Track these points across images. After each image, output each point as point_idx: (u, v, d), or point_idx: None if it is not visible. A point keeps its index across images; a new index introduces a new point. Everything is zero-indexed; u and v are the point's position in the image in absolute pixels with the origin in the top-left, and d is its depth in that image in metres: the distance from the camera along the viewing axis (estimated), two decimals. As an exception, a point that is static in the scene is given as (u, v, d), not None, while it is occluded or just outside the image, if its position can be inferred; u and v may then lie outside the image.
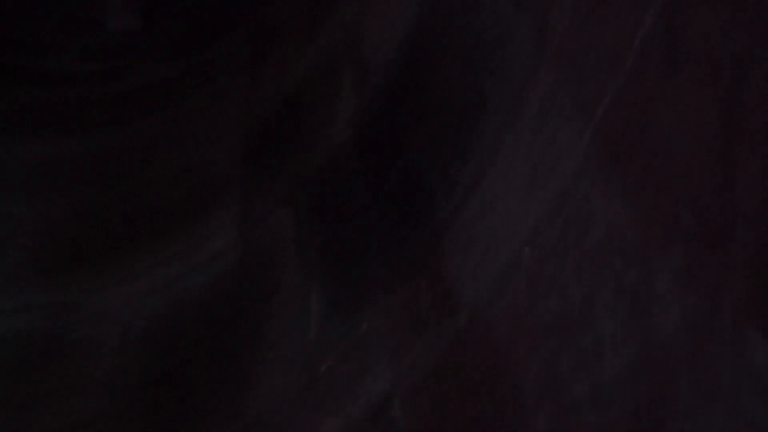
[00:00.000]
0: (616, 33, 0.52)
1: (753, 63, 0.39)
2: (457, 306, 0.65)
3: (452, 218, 0.71)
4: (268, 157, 1.27)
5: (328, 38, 1.29)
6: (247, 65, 1.58)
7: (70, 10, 1.95)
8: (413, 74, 0.95)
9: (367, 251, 0.88)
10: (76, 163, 1.52)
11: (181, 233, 1.31)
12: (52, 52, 1.79)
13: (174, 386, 1.08)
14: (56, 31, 1.83)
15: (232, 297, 1.14)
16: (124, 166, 1.48)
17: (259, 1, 1.68)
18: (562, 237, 0.55)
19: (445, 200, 0.72)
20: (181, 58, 1.76)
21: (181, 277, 1.23)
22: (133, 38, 1.89)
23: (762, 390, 0.35)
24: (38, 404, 1.12)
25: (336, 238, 1.00)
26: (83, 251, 1.34)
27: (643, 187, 0.47)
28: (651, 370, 0.43)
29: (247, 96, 1.45)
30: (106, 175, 1.48)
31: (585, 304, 0.50)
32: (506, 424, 0.53)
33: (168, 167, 1.46)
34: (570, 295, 0.52)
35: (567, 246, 0.54)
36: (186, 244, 1.27)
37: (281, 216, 1.15)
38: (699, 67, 0.44)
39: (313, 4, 1.39)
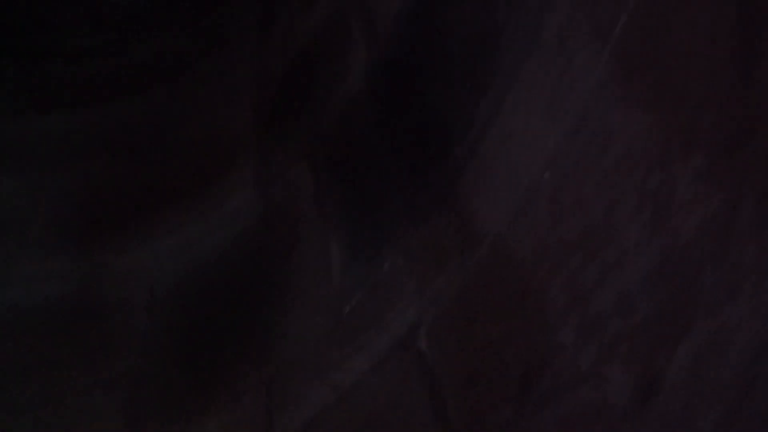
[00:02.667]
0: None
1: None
2: (478, 236, 0.66)
3: (471, 152, 0.71)
4: (283, 114, 1.28)
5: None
6: (256, 26, 1.58)
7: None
8: (424, 17, 0.95)
9: (385, 196, 0.89)
10: (93, 134, 1.55)
11: (201, 194, 1.33)
12: (63, 28, 1.80)
13: (204, 340, 1.11)
14: (64, 7, 1.84)
15: (254, 251, 1.16)
16: (141, 135, 1.50)
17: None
18: (583, 156, 0.55)
19: (463, 135, 0.72)
20: (190, 24, 1.76)
21: (204, 236, 1.26)
22: (141, 9, 1.90)
23: None
24: (74, 364, 1.16)
25: (354, 187, 1.01)
26: (106, 217, 1.37)
27: (662, 96, 0.47)
28: (673, 273, 0.44)
29: (258, 56, 1.45)
30: (123, 145, 1.50)
31: (607, 217, 0.51)
32: (532, 342, 0.54)
33: (184, 132, 1.47)
34: (592, 211, 0.52)
35: (588, 164, 0.54)
36: (206, 204, 1.29)
37: (298, 171, 1.17)
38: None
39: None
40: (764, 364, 0.35)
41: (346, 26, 1.25)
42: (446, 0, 0.91)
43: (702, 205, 0.42)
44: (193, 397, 1.02)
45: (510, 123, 0.66)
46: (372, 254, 0.85)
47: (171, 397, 1.05)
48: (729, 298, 0.39)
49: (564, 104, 0.58)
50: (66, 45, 1.79)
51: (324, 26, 1.34)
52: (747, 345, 0.37)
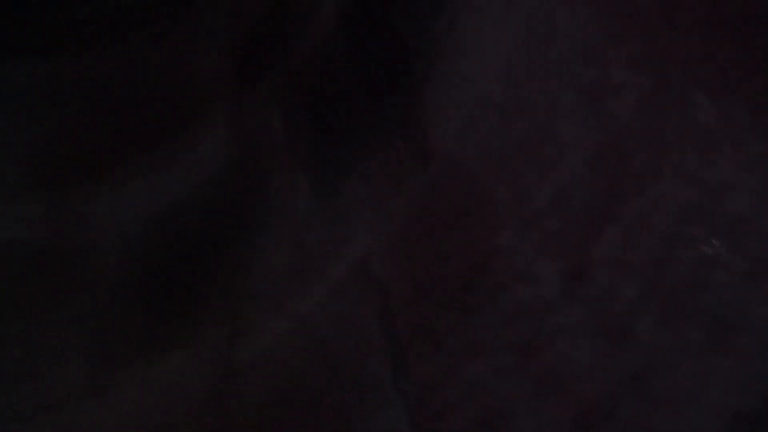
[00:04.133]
0: None
1: None
2: (430, 154, 0.66)
3: (428, 72, 0.70)
4: (256, 58, 1.27)
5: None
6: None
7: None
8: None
9: (351, 127, 0.88)
10: (67, 82, 1.53)
11: (173, 139, 1.32)
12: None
13: (172, 280, 1.12)
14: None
15: (225, 193, 1.15)
16: (115, 81, 1.49)
17: None
18: (529, 61, 0.55)
19: (421, 56, 0.72)
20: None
21: (175, 180, 1.25)
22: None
23: (705, 145, 0.36)
24: (40, 303, 1.16)
25: (324, 124, 1.00)
26: (79, 163, 1.36)
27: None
28: (607, 160, 0.44)
29: (233, 2, 1.43)
30: (97, 91, 1.48)
31: (548, 117, 0.51)
32: (475, 247, 0.54)
33: (158, 80, 1.46)
34: (536, 113, 0.52)
35: (534, 68, 0.54)
36: (178, 147, 1.28)
37: (270, 111, 1.16)
38: None
39: None
40: (682, 238, 0.36)
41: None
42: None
43: (634, 87, 0.42)
44: (158, 333, 1.03)
45: (465, 37, 0.65)
46: (335, 185, 0.84)
47: (136, 334, 1.06)
48: (655, 170, 0.39)
49: (515, 11, 0.57)
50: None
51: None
52: (667, 218, 0.37)
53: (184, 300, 1.08)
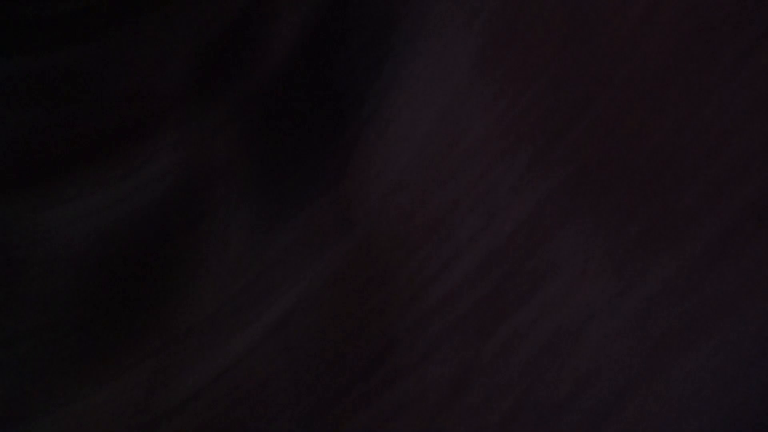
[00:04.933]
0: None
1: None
2: (352, 223, 0.65)
3: (360, 134, 0.70)
4: (212, 80, 1.25)
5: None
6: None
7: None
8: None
9: (291, 171, 0.87)
10: (21, 83, 1.49)
11: (123, 155, 1.30)
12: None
13: (105, 307, 1.10)
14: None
15: (168, 217, 1.14)
16: (70, 87, 1.46)
17: None
18: (443, 144, 0.54)
19: (357, 115, 0.71)
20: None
21: (121, 198, 1.23)
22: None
23: (578, 271, 0.36)
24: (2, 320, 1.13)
25: (267, 160, 0.99)
26: (27, 171, 1.33)
27: (505, 96, 0.47)
28: (493, 268, 0.44)
29: (196, 19, 1.41)
30: (51, 96, 1.45)
31: (452, 209, 0.51)
32: (380, 330, 0.54)
33: (114, 89, 1.43)
34: (441, 207, 0.52)
35: (445, 153, 0.54)
36: (127, 165, 1.26)
37: (220, 138, 1.14)
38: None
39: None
40: (554, 356, 0.36)
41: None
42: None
43: (520, 202, 0.42)
44: (85, 366, 1.01)
45: (392, 111, 0.64)
46: (268, 232, 0.83)
47: (65, 365, 1.04)
48: (533, 289, 0.39)
49: (439, 88, 0.57)
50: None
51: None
52: (541, 337, 0.37)
53: (113, 332, 1.06)
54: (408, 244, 0.54)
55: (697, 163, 0.33)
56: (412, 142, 0.60)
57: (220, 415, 0.71)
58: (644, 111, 0.36)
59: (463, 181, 0.48)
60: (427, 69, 0.59)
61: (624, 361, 0.35)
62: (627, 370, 0.35)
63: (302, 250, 0.72)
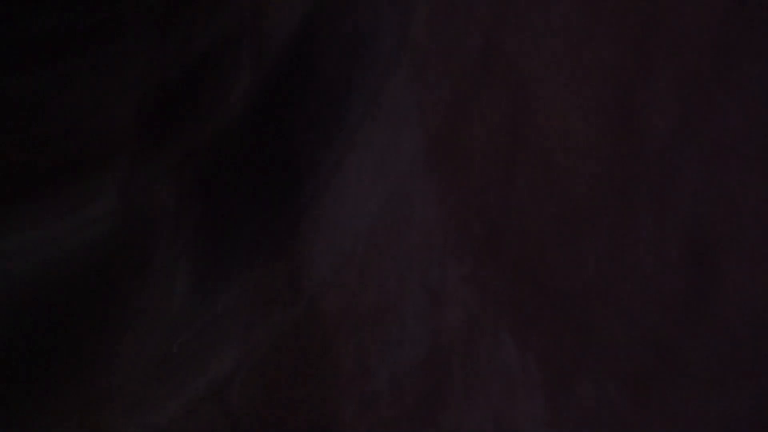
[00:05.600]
0: (458, 48, 0.53)
1: (537, 83, 0.42)
2: (299, 292, 0.66)
3: (311, 204, 0.71)
4: (162, 124, 1.24)
5: (234, 10, 1.26)
6: (157, 26, 1.52)
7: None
8: (303, 57, 0.95)
9: (237, 229, 0.87)
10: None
11: (61, 192, 1.26)
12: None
13: (34, 352, 1.05)
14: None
15: (104, 264, 1.11)
16: (13, 116, 1.41)
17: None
18: (389, 230, 0.56)
19: (308, 185, 0.72)
20: (90, 8, 1.67)
21: (55, 239, 1.19)
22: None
23: (510, 384, 0.38)
24: None
25: (213, 214, 0.99)
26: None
27: (450, 196, 0.49)
28: (436, 363, 0.46)
29: (151, 59, 1.39)
30: (1, 123, 1.40)
31: (398, 297, 0.52)
32: (322, 410, 0.55)
33: (59, 121, 1.39)
34: (388, 290, 0.54)
35: (391, 240, 0.56)
36: (65, 204, 1.22)
37: (165, 186, 1.13)
38: (501, 88, 0.46)
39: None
40: None
41: (239, 47, 1.23)
42: (324, 41, 0.91)
43: (463, 304, 0.44)
44: (10, 418, 0.96)
45: (344, 184, 0.66)
46: (212, 288, 0.83)
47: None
48: (469, 396, 0.41)
49: (385, 178, 0.59)
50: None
51: (218, 42, 1.31)
52: None
53: (41, 380, 1.01)
54: (356, 320, 0.55)
55: (624, 299, 0.36)
56: (362, 219, 0.62)
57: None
58: (577, 242, 0.39)
59: (412, 267, 0.50)
60: (378, 152, 0.61)
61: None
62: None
63: (247, 312, 0.72)
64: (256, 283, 0.76)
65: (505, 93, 0.45)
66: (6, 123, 1.39)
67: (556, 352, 0.37)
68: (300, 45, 0.98)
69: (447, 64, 0.53)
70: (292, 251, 0.71)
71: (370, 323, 0.54)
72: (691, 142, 0.37)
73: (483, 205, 0.46)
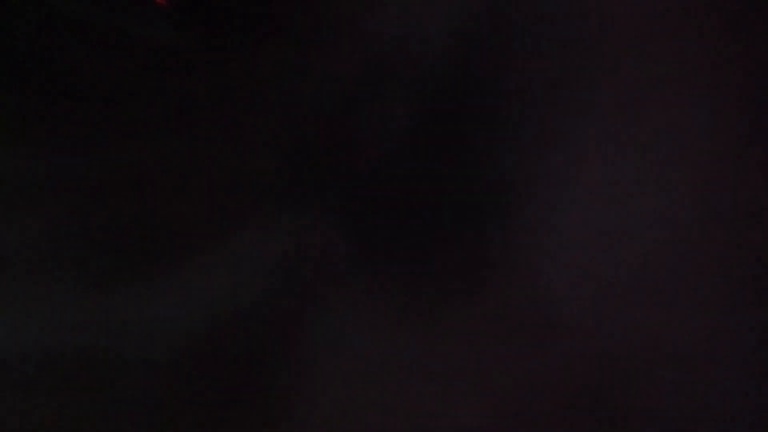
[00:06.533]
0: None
1: None
2: (554, 321, 0.57)
3: (541, 214, 0.63)
4: (314, 165, 1.22)
5: (375, 35, 1.24)
6: (291, 71, 1.53)
7: (102, 29, 1.95)
8: (471, 66, 0.89)
9: (430, 260, 0.81)
10: (114, 178, 1.50)
11: (222, 246, 1.27)
12: (90, 72, 1.78)
13: (225, 403, 1.04)
14: (93, 50, 1.82)
15: (278, 311, 1.08)
16: (164, 178, 1.45)
17: (301, 5, 1.63)
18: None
19: (528, 193, 0.65)
20: (221, 68, 1.72)
21: (224, 291, 1.19)
22: (168, 51, 1.87)
23: None
24: (89, 424, 1.08)
25: (392, 248, 0.94)
26: (127, 266, 1.31)
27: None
28: None
29: (291, 102, 1.40)
30: (144, 189, 1.45)
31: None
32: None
33: (206, 178, 1.42)
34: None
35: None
36: (227, 256, 1.23)
37: (329, 226, 1.10)
38: None
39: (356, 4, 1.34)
40: None
41: (390, 72, 1.19)
42: (500, 45, 0.85)
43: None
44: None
45: (564, 198, 0.58)
46: (418, 326, 0.76)
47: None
48: None
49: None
50: (90, 90, 1.76)
51: (364, 72, 1.29)
52: None
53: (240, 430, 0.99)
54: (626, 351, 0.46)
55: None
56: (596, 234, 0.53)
57: None
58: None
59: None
60: (610, 140, 0.52)
61: None
62: None
63: (481, 348, 0.64)
64: (480, 313, 0.69)
65: None
66: (157, 186, 1.43)
67: None
68: (465, 55, 0.92)
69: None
70: (523, 276, 0.64)
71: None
72: None
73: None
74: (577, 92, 0.63)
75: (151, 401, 1.11)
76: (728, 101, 0.56)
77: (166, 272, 1.22)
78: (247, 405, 1.02)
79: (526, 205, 0.65)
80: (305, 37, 1.71)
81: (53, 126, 1.77)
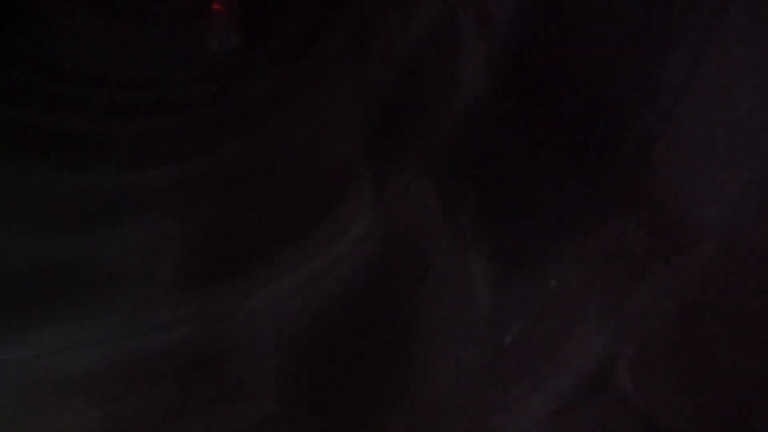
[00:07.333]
0: None
1: None
2: (690, 234, 0.50)
3: (659, 129, 0.56)
4: (393, 133, 1.19)
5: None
6: (353, 55, 1.51)
7: (175, 41, 2.03)
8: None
9: (534, 201, 0.75)
10: (204, 181, 1.55)
11: (318, 228, 1.26)
12: (168, 82, 1.85)
13: (339, 380, 1.02)
14: (166, 62, 1.90)
15: (383, 281, 1.06)
16: (249, 177, 1.48)
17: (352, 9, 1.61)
18: None
19: (644, 109, 0.57)
20: (287, 66, 1.75)
21: (326, 270, 1.18)
22: (238, 56, 1.92)
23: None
24: (209, 411, 1.11)
25: (490, 196, 0.88)
26: (226, 260, 1.34)
27: None
28: None
29: (357, 77, 1.37)
30: (233, 188, 1.49)
31: None
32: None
33: (291, 169, 1.43)
34: None
35: None
36: (325, 236, 1.22)
37: (420, 187, 1.06)
38: None
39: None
40: None
41: (455, 23, 1.13)
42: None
43: None
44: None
45: (713, 84, 0.50)
46: (530, 271, 0.70)
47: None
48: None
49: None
50: (170, 98, 1.84)
51: (429, 28, 1.24)
52: None
53: (356, 406, 0.97)
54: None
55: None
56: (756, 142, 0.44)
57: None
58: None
59: None
60: (756, 30, 0.43)
61: None
62: None
63: (599, 285, 0.58)
64: (600, 248, 0.62)
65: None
66: (245, 184, 1.47)
67: None
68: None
69: None
70: (646, 196, 0.56)
71: None
72: None
73: None
74: None
75: (266, 384, 1.11)
76: None
77: (261, 262, 1.24)
78: (365, 379, 0.99)
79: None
80: (362, 25, 1.65)
81: (137, 137, 1.82)
